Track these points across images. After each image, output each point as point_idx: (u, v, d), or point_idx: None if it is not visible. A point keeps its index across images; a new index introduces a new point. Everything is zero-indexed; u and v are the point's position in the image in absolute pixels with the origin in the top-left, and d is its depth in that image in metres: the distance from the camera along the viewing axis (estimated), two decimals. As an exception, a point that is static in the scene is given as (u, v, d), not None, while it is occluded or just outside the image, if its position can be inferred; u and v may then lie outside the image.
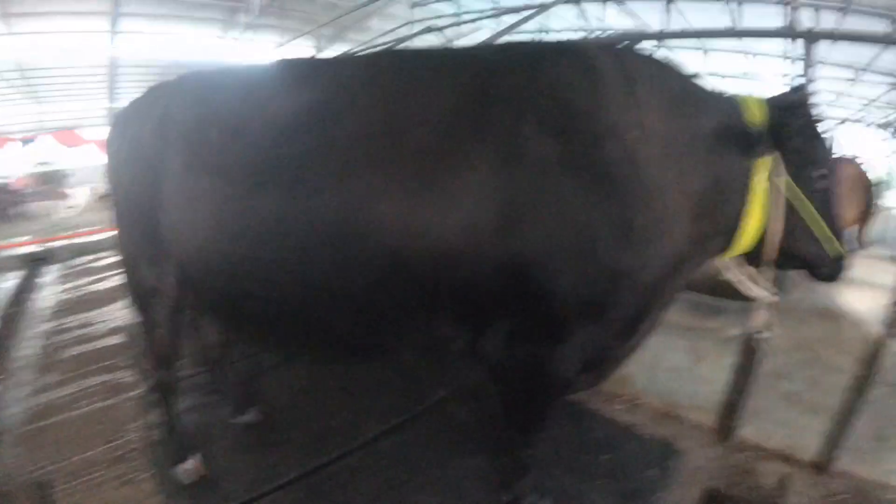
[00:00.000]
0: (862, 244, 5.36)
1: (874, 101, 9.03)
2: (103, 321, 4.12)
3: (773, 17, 7.22)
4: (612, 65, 1.53)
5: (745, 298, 1.92)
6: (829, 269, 1.79)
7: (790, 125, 1.54)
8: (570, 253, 1.44)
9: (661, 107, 1.53)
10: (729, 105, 1.64)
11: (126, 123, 1.93)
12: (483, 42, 3.58)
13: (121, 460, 2.34)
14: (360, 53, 2.59)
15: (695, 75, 1.70)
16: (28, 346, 3.64)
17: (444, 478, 2.25)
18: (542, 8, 4.70)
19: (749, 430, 2.61)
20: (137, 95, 2.01)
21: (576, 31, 9.21)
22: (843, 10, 5.91)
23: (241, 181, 1.54)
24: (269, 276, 1.56)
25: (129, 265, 2.05)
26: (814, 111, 1.63)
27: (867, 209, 5.20)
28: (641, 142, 1.46)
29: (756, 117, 1.60)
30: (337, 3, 7.99)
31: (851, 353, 2.46)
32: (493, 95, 1.47)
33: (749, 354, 2.55)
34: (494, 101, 1.46)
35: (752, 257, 1.76)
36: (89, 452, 2.39)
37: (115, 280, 5.38)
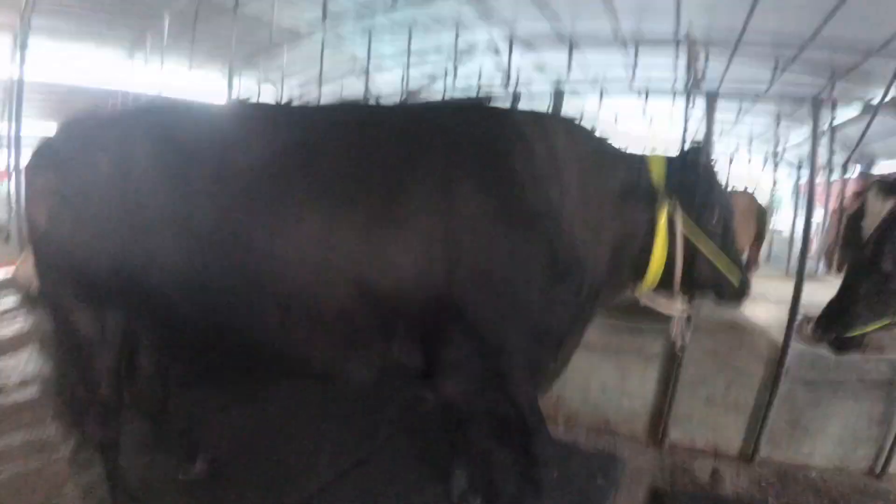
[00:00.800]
0: (756, 264, 6.14)
1: (760, 135, 10.31)
2: (11, 373, 3.64)
3: (665, 59, 8.10)
4: (536, 128, 1.83)
5: (663, 320, 2.21)
6: (732, 295, 2.10)
7: (686, 179, 1.88)
8: (506, 286, 1.69)
9: (577, 164, 1.82)
10: (635, 163, 1.96)
11: (62, 160, 1.78)
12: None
13: (60, 529, 2.08)
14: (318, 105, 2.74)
15: (606, 137, 2.04)
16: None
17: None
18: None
19: (678, 433, 2.91)
20: (45, 121, 1.90)
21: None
22: (731, 55, 6.75)
23: (217, 215, 1.62)
24: (245, 305, 1.65)
25: (61, 315, 1.90)
26: (708, 165, 1.96)
27: (759, 233, 6.01)
28: (561, 194, 1.75)
29: (658, 172, 1.92)
30: (252, 30, 7.83)
31: (758, 357, 2.83)
32: (436, 152, 1.72)
33: (671, 367, 2.86)
34: (437, 157, 1.71)
35: (665, 286, 2.04)
36: (24, 522, 2.08)
37: (18, 325, 4.79)
